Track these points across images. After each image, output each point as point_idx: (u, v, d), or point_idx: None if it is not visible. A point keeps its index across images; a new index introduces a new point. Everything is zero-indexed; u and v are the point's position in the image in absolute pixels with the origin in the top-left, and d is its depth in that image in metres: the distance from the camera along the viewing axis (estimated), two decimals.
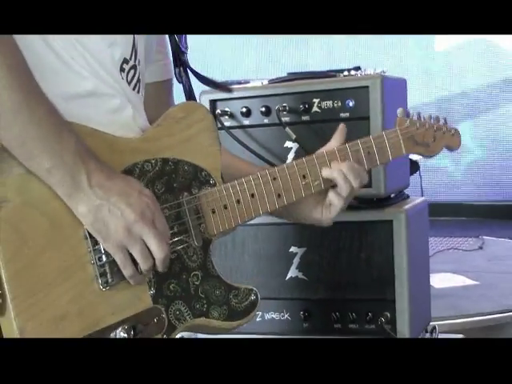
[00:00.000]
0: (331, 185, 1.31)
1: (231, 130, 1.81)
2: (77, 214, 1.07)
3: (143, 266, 1.09)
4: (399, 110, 1.41)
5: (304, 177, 1.30)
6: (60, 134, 1.07)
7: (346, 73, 2.04)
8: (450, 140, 1.47)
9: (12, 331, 1.02)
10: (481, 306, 2.88)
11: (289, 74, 2.30)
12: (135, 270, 1.09)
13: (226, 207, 1.24)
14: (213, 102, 1.84)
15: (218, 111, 1.83)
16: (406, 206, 1.80)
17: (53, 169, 1.04)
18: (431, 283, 3.00)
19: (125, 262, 1.08)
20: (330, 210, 1.34)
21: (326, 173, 1.30)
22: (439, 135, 1.44)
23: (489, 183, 6.11)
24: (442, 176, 6.15)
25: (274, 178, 1.28)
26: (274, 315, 1.86)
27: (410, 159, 2.11)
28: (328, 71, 2.24)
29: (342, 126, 1.37)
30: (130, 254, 1.08)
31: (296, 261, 1.82)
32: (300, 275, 1.83)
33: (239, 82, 2.08)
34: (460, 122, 6.04)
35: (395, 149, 1.39)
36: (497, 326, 2.76)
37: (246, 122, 1.83)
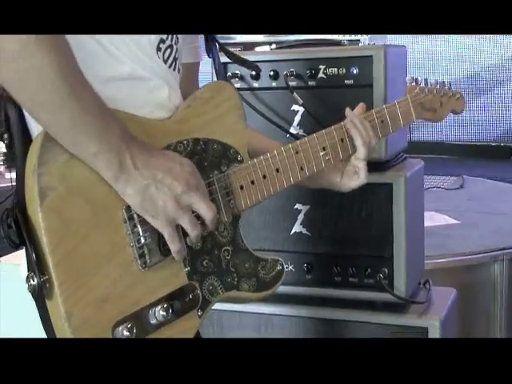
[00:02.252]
0: (349, 154, 1.39)
1: (241, 92, 1.81)
2: (123, 196, 1.10)
3: (193, 233, 1.13)
4: (408, 78, 1.49)
5: (324, 148, 1.37)
6: (105, 119, 1.10)
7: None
8: (455, 104, 1.54)
9: (60, 315, 1.05)
10: (462, 246, 2.95)
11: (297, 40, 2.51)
12: (183, 244, 1.13)
13: (253, 183, 1.29)
14: (224, 65, 1.81)
15: (229, 73, 1.91)
16: (405, 170, 1.88)
17: (99, 153, 1.07)
18: None
19: (173, 236, 1.12)
20: (359, 174, 1.41)
21: (351, 132, 1.37)
22: (445, 100, 1.52)
23: (469, 124, 6.29)
24: None
25: (297, 152, 1.35)
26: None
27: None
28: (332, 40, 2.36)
29: (362, 105, 1.43)
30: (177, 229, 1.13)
31: (300, 217, 1.92)
32: (304, 231, 1.93)
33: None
34: None
35: (406, 116, 1.46)
36: (477, 266, 2.82)
37: (255, 84, 1.91)
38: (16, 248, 1.13)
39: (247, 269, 1.32)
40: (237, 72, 1.91)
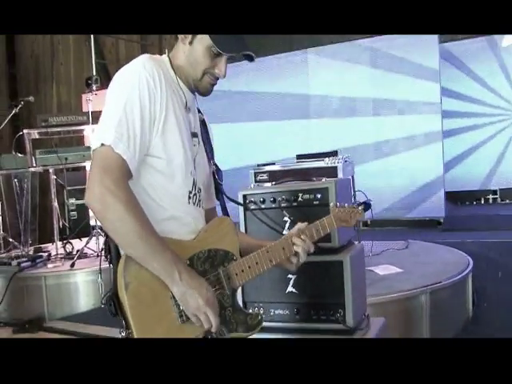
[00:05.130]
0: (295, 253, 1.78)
1: (253, 211, 2.50)
2: (171, 290, 1.51)
3: (206, 325, 1.55)
4: (331, 204, 1.88)
5: (283, 249, 1.78)
6: (163, 249, 1.50)
7: (326, 159, 3.14)
8: (358, 215, 1.86)
9: None
10: (403, 285, 3.76)
11: (297, 155, 3.64)
12: (199, 322, 1.56)
13: (243, 271, 1.69)
14: (244, 196, 2.54)
15: (247, 200, 2.52)
16: (350, 252, 2.40)
17: (160, 269, 1.50)
18: (377, 271, 4.24)
19: (196, 320, 1.55)
20: (294, 265, 1.81)
21: (295, 248, 1.78)
22: (353, 215, 1.86)
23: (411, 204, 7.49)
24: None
25: (267, 251, 1.75)
26: (280, 311, 2.52)
27: (365, 202, 2.47)
28: (316, 154, 3.36)
29: (302, 225, 1.81)
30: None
31: (291, 282, 2.47)
32: (294, 290, 2.47)
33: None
34: None
35: (331, 226, 1.83)
36: (411, 298, 3.63)
37: (262, 206, 2.51)
38: (114, 316, 1.52)
39: (241, 319, 1.67)
40: (252, 199, 2.50)
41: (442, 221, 7.54)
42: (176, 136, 1.61)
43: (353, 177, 4.14)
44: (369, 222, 4.01)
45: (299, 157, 3.96)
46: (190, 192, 1.67)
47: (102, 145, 1.50)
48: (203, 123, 1.86)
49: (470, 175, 8.93)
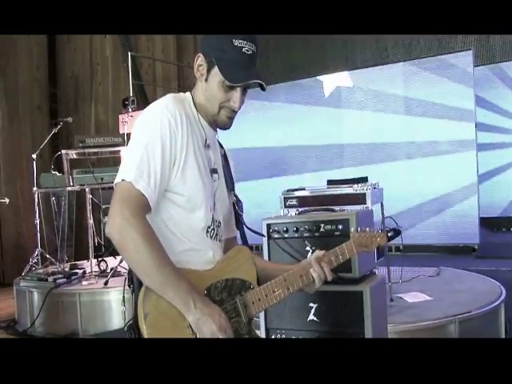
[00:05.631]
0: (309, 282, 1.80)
1: (276, 241, 2.66)
2: (186, 318, 1.57)
3: None
4: (352, 229, 1.87)
5: (301, 276, 1.79)
6: (178, 279, 1.56)
7: (355, 185, 3.32)
8: (380, 241, 1.85)
9: None
10: (432, 314, 3.75)
11: (328, 180, 3.80)
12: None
13: (259, 299, 1.72)
14: (268, 225, 2.72)
15: (271, 229, 2.69)
16: (371, 283, 2.52)
17: (175, 298, 1.56)
18: (406, 298, 4.23)
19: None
20: (311, 289, 1.83)
21: (312, 272, 1.79)
22: (374, 240, 1.84)
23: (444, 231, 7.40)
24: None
25: (285, 280, 1.77)
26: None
27: (394, 228, 2.55)
28: (346, 180, 3.50)
29: (320, 252, 1.82)
30: None
31: (312, 311, 2.60)
32: (315, 318, 2.60)
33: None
34: None
35: (351, 251, 1.82)
36: (440, 327, 3.63)
37: (286, 235, 2.67)
38: None
39: None
40: (275, 228, 2.67)
41: (476, 247, 7.40)
42: (196, 174, 1.68)
43: (382, 203, 4.20)
44: (401, 248, 4.02)
45: (330, 182, 4.03)
46: (209, 227, 1.74)
47: (124, 181, 1.59)
48: (224, 157, 1.92)
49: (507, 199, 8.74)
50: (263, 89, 1.74)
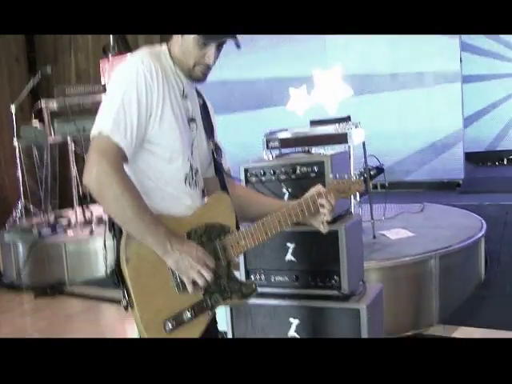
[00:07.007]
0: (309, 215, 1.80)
1: (255, 185, 2.66)
2: (166, 262, 1.64)
3: (200, 282, 1.66)
4: (330, 176, 1.92)
5: (279, 222, 1.82)
6: (156, 225, 1.63)
7: (337, 125, 3.40)
8: (356, 188, 1.88)
9: (137, 318, 1.59)
10: (413, 250, 3.79)
11: (311, 121, 3.86)
12: (193, 286, 1.66)
13: (238, 243, 1.78)
14: (245, 169, 2.72)
15: (248, 173, 2.69)
16: (347, 222, 2.54)
17: (154, 243, 1.63)
18: (388, 235, 4.26)
19: (188, 283, 1.66)
20: (325, 227, 1.86)
21: (320, 201, 1.81)
22: (351, 186, 1.88)
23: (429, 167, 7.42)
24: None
25: (263, 224, 1.80)
26: (280, 278, 2.70)
27: (377, 166, 2.79)
28: (329, 120, 3.55)
29: (320, 187, 1.85)
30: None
31: (290, 250, 2.63)
32: (292, 258, 2.63)
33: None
34: None
35: (330, 196, 1.83)
36: (422, 262, 3.68)
37: (263, 178, 2.68)
38: (117, 287, 1.65)
39: (235, 288, 1.77)
40: (253, 172, 2.67)
41: (460, 182, 7.44)
42: (173, 125, 1.71)
43: (364, 143, 4.20)
44: (386, 185, 4.07)
45: (312, 123, 4.04)
46: (187, 175, 1.78)
47: (100, 133, 1.61)
48: (203, 105, 1.93)
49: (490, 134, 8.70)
50: (238, 47, 1.76)
